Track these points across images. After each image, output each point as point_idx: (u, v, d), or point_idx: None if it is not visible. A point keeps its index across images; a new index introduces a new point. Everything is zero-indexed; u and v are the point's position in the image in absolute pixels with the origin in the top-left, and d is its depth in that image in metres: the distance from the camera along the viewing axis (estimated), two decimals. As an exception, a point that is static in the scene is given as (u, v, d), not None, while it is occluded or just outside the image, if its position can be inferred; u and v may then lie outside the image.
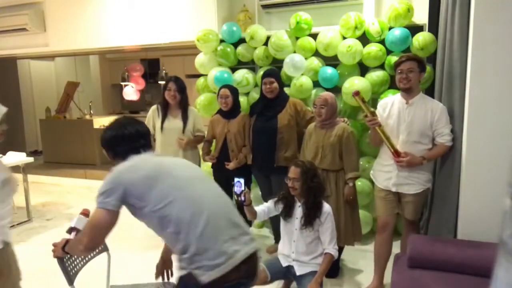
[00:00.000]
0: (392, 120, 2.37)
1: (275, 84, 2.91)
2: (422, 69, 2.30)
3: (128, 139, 1.59)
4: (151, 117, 3.27)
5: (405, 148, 2.30)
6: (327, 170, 2.62)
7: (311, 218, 2.19)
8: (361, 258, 3.05)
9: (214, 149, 3.23)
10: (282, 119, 2.89)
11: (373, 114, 2.33)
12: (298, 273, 2.23)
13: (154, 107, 3.28)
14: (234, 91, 3.14)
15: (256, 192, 3.46)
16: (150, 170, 1.48)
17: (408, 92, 2.32)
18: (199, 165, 3.33)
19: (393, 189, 2.38)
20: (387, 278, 2.45)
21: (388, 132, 2.35)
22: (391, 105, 2.40)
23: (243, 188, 2.14)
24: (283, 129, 2.88)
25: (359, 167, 2.68)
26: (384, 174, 2.43)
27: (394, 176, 2.36)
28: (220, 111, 3.23)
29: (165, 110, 3.17)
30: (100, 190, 1.45)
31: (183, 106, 3.16)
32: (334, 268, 2.66)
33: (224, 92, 3.08)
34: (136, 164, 1.51)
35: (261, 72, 3.53)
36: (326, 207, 2.25)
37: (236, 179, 2.16)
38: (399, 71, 2.31)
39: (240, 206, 2.01)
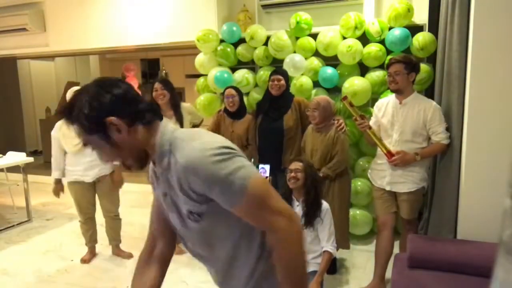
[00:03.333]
0: (386, 119, 2.41)
1: (283, 82, 2.91)
2: (412, 69, 2.30)
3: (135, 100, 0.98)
4: None
5: (398, 147, 2.33)
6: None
7: (311, 217, 2.19)
8: (361, 258, 3.05)
9: None
10: (288, 121, 2.89)
11: (362, 117, 2.39)
12: (298, 273, 2.22)
13: None
14: (239, 91, 3.15)
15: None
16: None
17: (399, 93, 2.35)
18: None
19: (387, 188, 2.41)
20: (388, 278, 2.45)
21: (379, 134, 2.40)
22: (386, 105, 2.45)
23: (267, 175, 2.12)
24: (289, 130, 2.88)
25: (336, 169, 2.63)
26: (379, 172, 2.47)
27: (388, 175, 2.40)
28: (226, 111, 3.18)
29: None
30: (225, 169, 0.89)
31: (174, 106, 3.05)
32: (331, 264, 2.66)
33: (230, 92, 3.07)
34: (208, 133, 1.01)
35: (261, 72, 3.54)
36: (324, 204, 2.28)
37: (260, 166, 2.12)
38: (388, 73, 2.36)
39: None
